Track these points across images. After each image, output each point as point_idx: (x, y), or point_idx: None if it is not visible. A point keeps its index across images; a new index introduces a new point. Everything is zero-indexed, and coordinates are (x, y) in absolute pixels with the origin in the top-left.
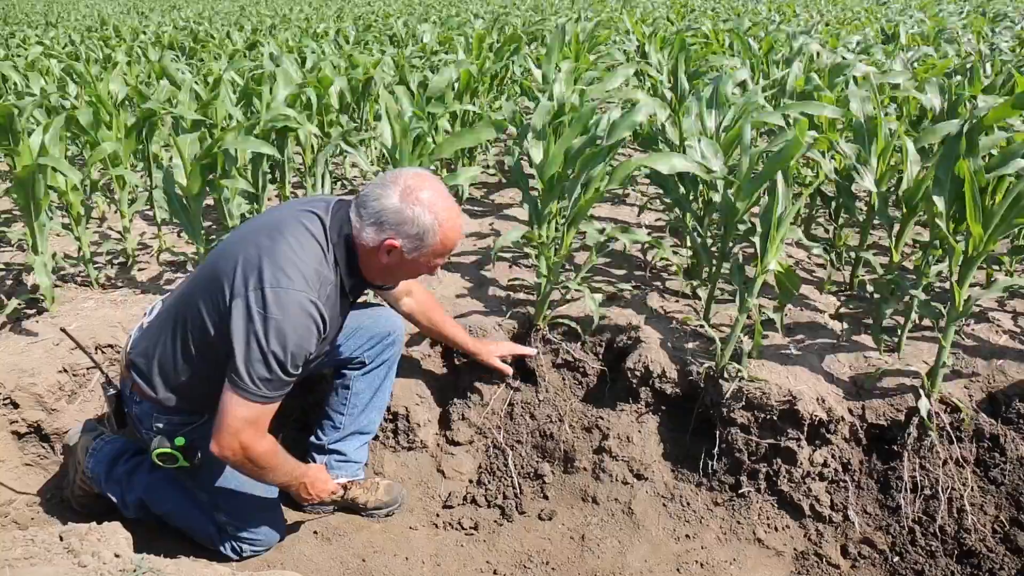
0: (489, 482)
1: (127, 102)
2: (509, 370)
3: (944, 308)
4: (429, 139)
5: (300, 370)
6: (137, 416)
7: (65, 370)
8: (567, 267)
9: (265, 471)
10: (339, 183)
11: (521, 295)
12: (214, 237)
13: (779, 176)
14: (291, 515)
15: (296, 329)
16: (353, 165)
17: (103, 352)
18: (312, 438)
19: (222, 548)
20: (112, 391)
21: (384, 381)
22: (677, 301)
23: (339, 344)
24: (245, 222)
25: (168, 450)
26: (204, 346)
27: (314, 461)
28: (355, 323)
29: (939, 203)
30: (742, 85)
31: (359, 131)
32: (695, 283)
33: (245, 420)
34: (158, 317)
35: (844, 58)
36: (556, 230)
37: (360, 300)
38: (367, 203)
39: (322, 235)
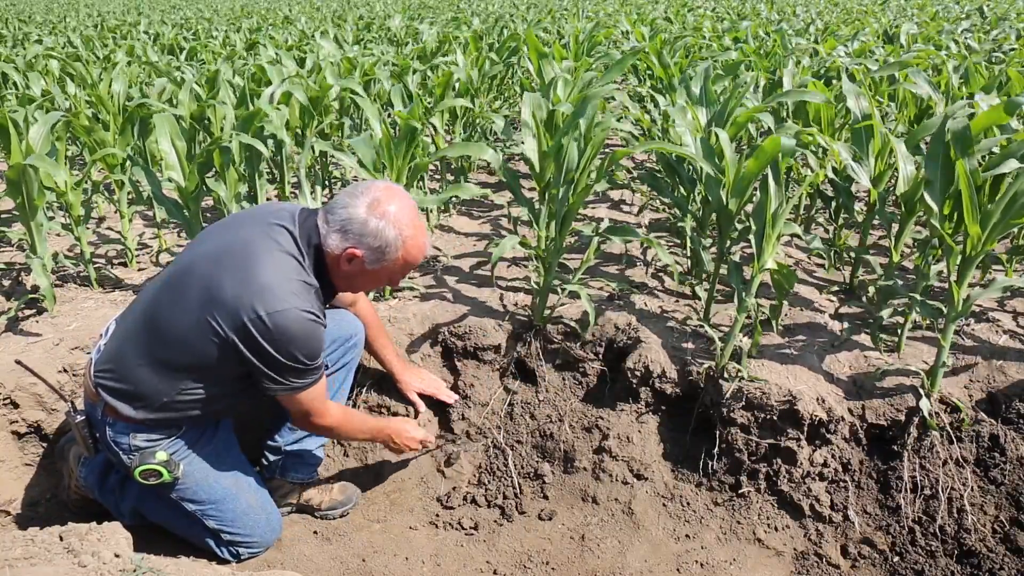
0: (489, 482)
1: (127, 103)
2: (422, 407)
3: (943, 308)
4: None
5: (324, 349)
6: (111, 439)
7: (65, 370)
8: (567, 267)
9: (342, 433)
10: (340, 183)
11: (521, 295)
12: None
13: (769, 173)
14: (291, 515)
15: (308, 338)
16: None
17: None
18: (268, 439)
19: (219, 552)
20: (80, 417)
21: (343, 383)
22: (677, 301)
23: None
24: (206, 236)
25: (151, 466)
26: (192, 368)
27: (268, 462)
28: None
29: (932, 203)
30: (734, 80)
31: (358, 133)
32: (694, 283)
33: (306, 409)
34: (125, 338)
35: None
36: (553, 230)
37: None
38: (335, 210)
39: (294, 247)
